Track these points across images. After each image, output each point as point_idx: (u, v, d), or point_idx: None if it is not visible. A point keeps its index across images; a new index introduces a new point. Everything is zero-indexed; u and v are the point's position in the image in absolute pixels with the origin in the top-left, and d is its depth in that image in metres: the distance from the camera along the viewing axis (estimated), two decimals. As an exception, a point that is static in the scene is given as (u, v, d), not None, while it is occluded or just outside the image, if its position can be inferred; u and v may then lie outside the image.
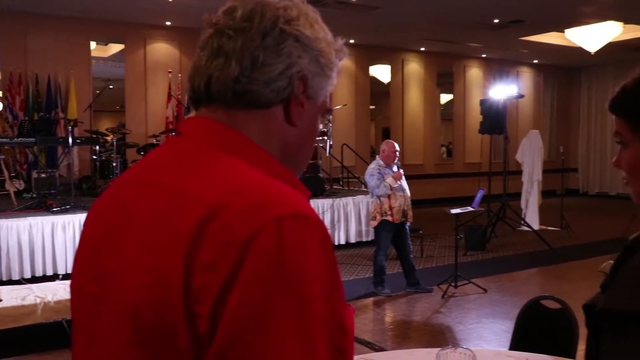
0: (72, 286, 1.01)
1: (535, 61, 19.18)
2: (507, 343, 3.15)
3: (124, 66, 13.15)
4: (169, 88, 12.54)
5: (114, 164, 10.39)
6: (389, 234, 7.22)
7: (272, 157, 0.98)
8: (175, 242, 0.82)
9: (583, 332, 3.16)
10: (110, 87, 13.36)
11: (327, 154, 11.78)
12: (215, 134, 0.96)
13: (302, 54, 0.97)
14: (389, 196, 7.10)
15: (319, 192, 10.44)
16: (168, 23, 12.75)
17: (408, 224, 7.36)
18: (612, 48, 14.59)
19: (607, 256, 6.04)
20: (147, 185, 0.94)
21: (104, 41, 14.00)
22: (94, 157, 10.92)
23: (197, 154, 0.94)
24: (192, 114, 1.03)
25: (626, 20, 13.18)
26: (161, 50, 13.14)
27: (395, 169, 7.29)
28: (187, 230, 0.81)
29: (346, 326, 0.87)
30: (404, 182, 7.27)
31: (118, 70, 13.83)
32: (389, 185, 7.07)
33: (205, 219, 0.81)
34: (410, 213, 7.28)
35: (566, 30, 13.95)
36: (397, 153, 7.36)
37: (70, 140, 9.11)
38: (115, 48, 14.05)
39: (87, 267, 0.97)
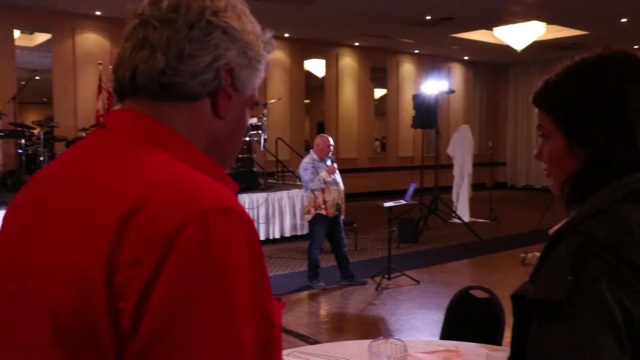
0: None
1: (466, 58, 19.46)
2: (439, 332, 3.21)
3: (51, 57, 12.59)
4: (100, 80, 12.08)
5: (42, 158, 10.00)
6: (323, 228, 7.25)
7: (199, 151, 0.96)
8: (98, 238, 0.79)
9: (509, 320, 3.25)
10: (37, 78, 12.88)
11: (262, 148, 11.66)
12: (140, 127, 0.94)
13: (229, 46, 0.96)
14: (322, 190, 7.13)
15: (254, 186, 10.37)
16: (98, 13, 12.29)
17: (342, 217, 7.40)
18: (537, 47, 14.97)
19: (534, 246, 6.25)
20: (68, 179, 0.91)
21: (29, 30, 13.32)
22: (20, 151, 10.45)
23: (121, 148, 0.92)
24: (118, 106, 1.00)
25: (549, 21, 13.54)
26: (91, 40, 12.68)
27: (329, 163, 7.31)
28: (110, 225, 0.79)
29: (273, 320, 0.87)
30: (337, 176, 7.32)
31: (45, 60, 13.22)
32: (322, 179, 7.09)
33: (129, 213, 0.79)
34: (343, 207, 7.34)
35: (494, 29, 14.22)
36: (331, 147, 7.40)
37: (-7, 133, 8.77)
38: (42, 37, 13.40)
39: (4, 265, 0.93)
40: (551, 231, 1.14)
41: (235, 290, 0.79)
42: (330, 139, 7.44)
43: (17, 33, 12.42)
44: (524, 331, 1.08)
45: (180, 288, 0.76)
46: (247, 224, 0.84)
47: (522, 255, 8.74)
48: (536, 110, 1.25)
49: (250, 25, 1.00)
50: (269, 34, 1.05)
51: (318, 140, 7.43)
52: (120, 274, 0.77)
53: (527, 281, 1.13)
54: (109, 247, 0.78)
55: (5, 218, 0.99)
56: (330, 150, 7.38)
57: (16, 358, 0.88)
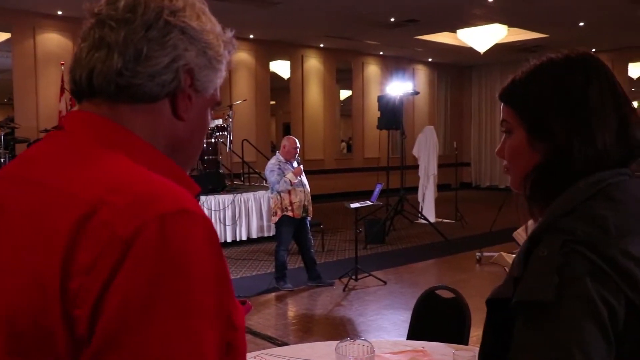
0: None
1: (430, 59, 19.60)
2: (406, 333, 3.23)
3: (12, 56, 12.38)
4: (62, 81, 11.84)
5: (2, 160, 9.82)
6: (290, 229, 7.24)
7: (158, 153, 0.95)
8: (52, 242, 0.77)
9: (475, 319, 3.29)
10: (-4, 77, 12.66)
11: (228, 150, 11.64)
12: (97, 129, 0.92)
13: (188, 47, 0.95)
14: (289, 192, 7.12)
15: (220, 188, 10.34)
16: (59, 12, 12.08)
17: (309, 218, 7.41)
18: (498, 49, 15.20)
19: (498, 247, 6.33)
20: (23, 181, 0.90)
21: (-12, 29, 13.23)
22: (-20, 152, 10.35)
23: (77, 150, 0.90)
24: (76, 107, 0.98)
25: (510, 24, 13.78)
26: (52, 40, 12.48)
27: (295, 164, 7.31)
28: (65, 229, 0.77)
29: (235, 322, 0.86)
30: (303, 178, 7.33)
31: (4, 60, 12.99)
32: (289, 180, 7.08)
33: (84, 217, 0.78)
34: (310, 208, 7.34)
35: (458, 31, 14.37)
36: (298, 149, 7.39)
37: (-50, 133, 8.61)
38: (1, 37, 13.26)
39: None
40: (515, 234, 1.15)
41: (194, 294, 0.78)
42: (297, 141, 7.43)
43: (-25, 32, 12.17)
44: (499, 335, 1.08)
45: (137, 294, 0.74)
46: (206, 226, 0.83)
47: (478, 254, 8.89)
48: (501, 106, 1.27)
49: (209, 25, 0.99)
50: (229, 34, 1.04)
51: (285, 142, 7.42)
52: (74, 280, 0.75)
53: (500, 284, 1.13)
54: (63, 252, 0.76)
55: None
56: (296, 152, 7.37)
57: None
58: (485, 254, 8.88)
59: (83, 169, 0.86)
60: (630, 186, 1.14)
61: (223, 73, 1.03)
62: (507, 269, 6.04)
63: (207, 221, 0.84)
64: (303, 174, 7.33)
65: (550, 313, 1.00)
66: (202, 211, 0.84)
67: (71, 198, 0.81)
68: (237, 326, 0.87)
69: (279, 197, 7.18)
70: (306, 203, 7.24)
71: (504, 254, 8.47)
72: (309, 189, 7.37)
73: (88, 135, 0.92)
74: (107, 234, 0.76)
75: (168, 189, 0.84)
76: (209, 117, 1.06)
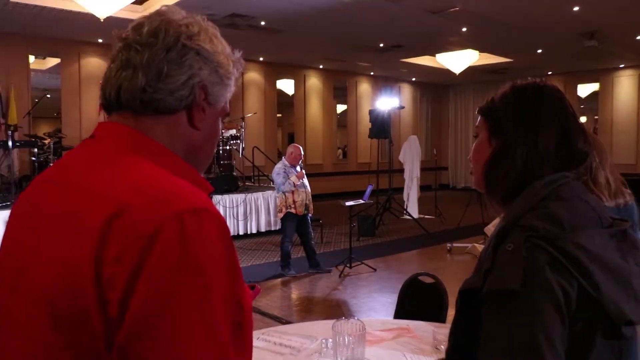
0: None
1: (413, 79, 19.61)
2: (393, 313, 3.22)
3: (60, 78, 12.52)
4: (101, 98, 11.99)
5: (51, 165, 9.85)
6: (293, 224, 7.23)
7: (177, 157, 0.95)
8: (85, 237, 0.78)
9: (451, 301, 3.28)
10: (48, 96, 12.67)
11: (240, 156, 11.63)
12: (124, 137, 0.93)
13: (202, 66, 0.95)
14: (292, 192, 7.12)
15: (233, 188, 10.32)
16: (100, 40, 12.23)
17: (310, 215, 7.40)
18: (471, 71, 15.27)
19: (470, 239, 6.33)
20: (59, 185, 0.90)
21: (42, 55, 13.28)
22: (33, 158, 10.36)
23: (106, 156, 0.91)
24: (102, 117, 0.99)
25: (481, 50, 13.86)
26: (94, 64, 12.54)
27: (298, 169, 7.31)
28: (96, 225, 0.78)
29: (244, 304, 0.86)
30: (305, 180, 7.32)
31: (55, 81, 13.14)
32: (292, 182, 7.08)
33: (112, 216, 0.78)
34: (311, 206, 7.32)
35: (437, 55, 14.41)
36: (302, 156, 7.39)
37: (10, 143, 8.73)
38: (53, 61, 13.36)
39: (7, 260, 0.92)
40: (486, 229, 1.16)
41: (210, 282, 0.78)
42: (302, 149, 7.44)
43: (31, 58, 12.36)
44: (469, 323, 1.08)
45: (161, 282, 0.75)
46: (218, 221, 0.83)
47: (449, 245, 8.95)
48: (478, 118, 1.32)
49: (220, 47, 1.00)
50: (238, 54, 1.04)
51: (291, 149, 7.38)
52: (106, 269, 0.76)
53: (471, 276, 1.13)
54: (96, 246, 0.77)
55: (9, 218, 0.98)
56: (301, 158, 7.36)
57: (20, 340, 0.86)
58: (455, 244, 8.94)
59: (111, 173, 0.86)
60: (574, 187, 1.16)
61: (232, 88, 1.04)
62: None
63: (220, 218, 0.84)
64: (305, 177, 7.32)
65: (516, 300, 1.01)
66: (215, 209, 0.85)
67: (101, 198, 0.81)
68: (245, 308, 0.86)
69: (284, 196, 7.18)
70: (307, 202, 7.22)
71: (477, 245, 8.48)
72: (310, 190, 7.35)
73: (116, 143, 0.92)
74: (133, 231, 0.77)
75: (186, 190, 0.84)
76: (220, 126, 1.06)
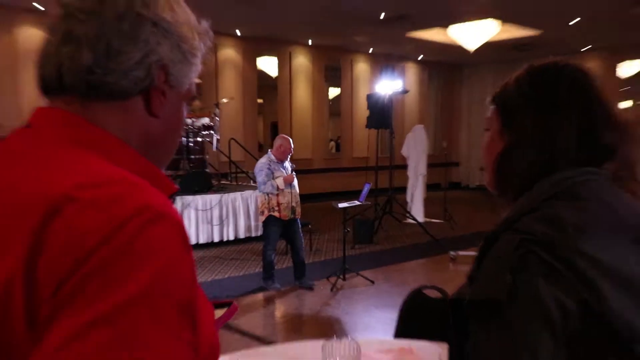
0: None
1: (420, 57, 19.49)
2: (393, 332, 3.26)
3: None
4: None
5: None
6: (277, 229, 7.24)
7: (131, 151, 0.93)
8: (16, 241, 0.74)
9: (462, 319, 3.31)
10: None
11: (214, 149, 11.54)
12: (66, 126, 0.89)
13: (161, 41, 0.92)
14: (277, 193, 7.10)
15: (206, 188, 10.30)
16: (38, 6, 11.63)
17: (299, 219, 7.42)
18: (490, 47, 14.98)
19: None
20: None
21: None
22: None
23: (44, 148, 0.87)
24: (45, 103, 0.94)
25: (504, 20, 13.51)
26: (33, 36, 11.96)
27: (289, 169, 7.30)
28: (29, 227, 0.74)
29: (199, 324, 0.82)
30: (295, 181, 7.34)
31: (-17, 57, 12.87)
32: (276, 185, 7.05)
33: (48, 214, 0.74)
34: (298, 209, 7.31)
35: (449, 27, 14.18)
36: (290, 150, 7.27)
37: None
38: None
39: None
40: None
41: (153, 297, 0.74)
42: (287, 140, 7.28)
43: None
44: (461, 335, 1.12)
45: (91, 293, 0.71)
46: (173, 227, 0.80)
47: (452, 254, 9.00)
48: (489, 110, 1.36)
49: (184, 16, 0.97)
50: (205, 24, 1.02)
51: (279, 141, 7.28)
52: (39, 277, 0.72)
53: (464, 284, 1.16)
54: (28, 251, 0.73)
55: None
56: (290, 153, 7.27)
57: None
58: (461, 253, 9.00)
59: (49, 166, 0.83)
60: (595, 186, 1.16)
61: (199, 67, 1.01)
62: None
63: (176, 222, 0.81)
64: (294, 174, 7.35)
65: (501, 313, 1.03)
66: (170, 210, 0.82)
67: (36, 196, 0.77)
68: (200, 328, 0.83)
69: (266, 196, 7.13)
70: (294, 204, 7.20)
71: (474, 253, 8.50)
72: (297, 190, 7.36)
73: (55, 133, 0.89)
74: (69, 232, 0.74)
75: (136, 188, 0.82)
76: (185, 113, 1.04)
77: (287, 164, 7.31)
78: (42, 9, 11.77)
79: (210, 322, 0.91)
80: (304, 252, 7.54)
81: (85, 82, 0.89)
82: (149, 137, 0.97)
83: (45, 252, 0.73)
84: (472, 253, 8.87)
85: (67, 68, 0.89)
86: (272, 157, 7.19)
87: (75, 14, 0.90)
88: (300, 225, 7.51)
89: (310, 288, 7.40)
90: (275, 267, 7.46)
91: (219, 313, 1.16)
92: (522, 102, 1.25)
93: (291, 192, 7.21)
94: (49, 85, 0.93)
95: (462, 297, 1.13)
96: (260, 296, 7.18)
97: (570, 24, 13.94)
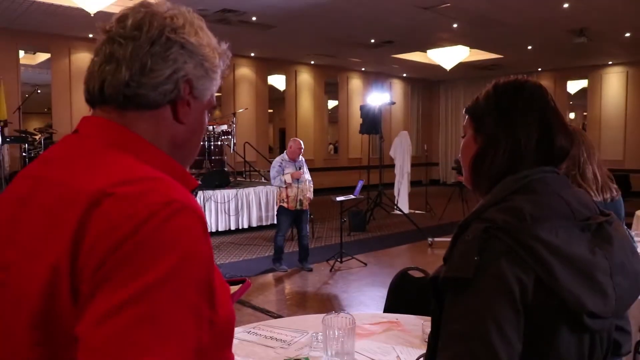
0: None
1: (404, 75, 19.61)
2: (383, 307, 3.24)
3: (51, 73, 12.46)
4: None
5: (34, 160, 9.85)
6: (286, 218, 7.20)
7: (160, 152, 0.94)
8: (63, 231, 0.77)
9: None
10: (38, 91, 12.64)
11: (232, 151, 11.67)
12: (106, 132, 0.91)
13: (187, 60, 0.94)
14: (286, 187, 7.07)
15: (225, 184, 10.32)
16: (90, 35, 12.10)
17: (307, 210, 7.30)
18: (462, 67, 15.33)
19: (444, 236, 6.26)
20: (40, 179, 0.89)
21: (31, 50, 13.22)
22: (24, 154, 10.36)
23: (87, 151, 0.90)
24: (90, 113, 0.98)
25: (472, 46, 13.89)
26: (85, 59, 12.32)
27: (299, 163, 7.20)
28: (73, 219, 0.77)
29: (216, 301, 0.83)
30: (306, 175, 7.24)
31: (45, 76, 13.09)
32: (284, 180, 7.03)
33: (89, 207, 0.77)
34: (305, 202, 7.18)
35: (428, 51, 14.43)
36: (302, 150, 7.23)
37: (0, 138, 8.70)
38: (43, 57, 13.28)
39: None
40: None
41: (175, 277, 0.75)
42: (302, 143, 7.27)
43: (21, 53, 12.30)
44: (440, 308, 1.10)
45: (124, 274, 0.73)
46: (194, 216, 0.81)
47: (430, 240, 9.09)
48: (465, 120, 1.34)
49: (206, 39, 0.98)
50: (224, 46, 1.03)
51: (291, 143, 7.25)
52: (81, 261, 0.75)
53: (442, 265, 1.16)
54: (72, 238, 0.76)
55: None
56: (300, 152, 7.20)
57: (2, 340, 0.85)
58: (437, 239, 9.06)
59: (91, 167, 0.85)
60: (551, 181, 1.17)
61: (219, 81, 1.02)
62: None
63: (196, 212, 0.82)
64: (306, 171, 7.26)
65: (469, 287, 1.04)
66: (193, 203, 0.83)
67: (80, 192, 0.80)
68: (217, 305, 0.83)
69: (279, 190, 7.16)
70: (301, 197, 7.10)
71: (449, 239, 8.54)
72: (307, 186, 7.22)
73: (98, 138, 0.91)
74: (106, 221, 0.76)
75: (163, 184, 0.83)
76: (206, 120, 1.05)
77: (300, 162, 7.22)
78: (92, 36, 11.98)
79: (227, 299, 0.91)
80: (307, 239, 7.45)
81: (122, 94, 0.91)
82: (176, 140, 0.98)
83: (86, 239, 0.75)
84: (446, 239, 8.95)
85: (108, 82, 0.92)
86: (285, 156, 7.19)
87: (116, 38, 0.92)
88: (308, 216, 7.41)
89: (310, 270, 7.35)
90: (284, 252, 7.42)
91: (234, 289, 1.21)
92: (489, 109, 1.25)
93: (298, 187, 7.09)
94: (93, 97, 0.95)
95: (436, 275, 1.13)
96: (269, 276, 7.15)
97: (527, 49, 14.25)
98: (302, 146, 7.27)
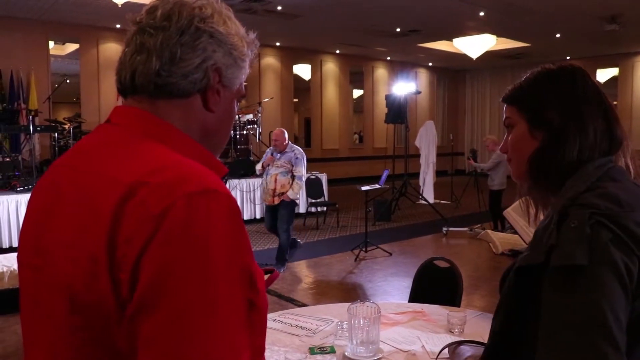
0: (18, 260, 0.96)
1: (430, 64, 19.49)
2: (408, 296, 3.23)
3: (80, 63, 12.65)
4: (119, 82, 12.08)
5: (68, 150, 9.99)
6: (266, 212, 6.82)
7: (191, 140, 0.94)
8: (100, 220, 0.78)
9: (466, 285, 3.26)
10: (67, 81, 12.83)
11: (257, 140, 11.69)
12: (139, 121, 0.92)
13: (216, 48, 0.94)
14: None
15: (250, 173, 10.27)
16: (118, 25, 12.28)
17: (280, 204, 6.51)
18: (489, 56, 15.16)
19: (486, 224, 6.25)
20: (75, 168, 0.90)
21: (61, 41, 13.40)
22: (53, 142, 10.52)
23: (121, 140, 0.91)
24: (121, 103, 0.98)
25: (499, 34, 13.72)
26: (113, 49, 12.59)
27: (289, 153, 6.52)
28: (109, 208, 0.78)
29: (257, 285, 0.85)
30: (275, 170, 6.49)
31: (74, 66, 13.28)
32: (258, 168, 6.74)
33: (125, 197, 0.78)
34: (269, 198, 6.52)
35: (454, 40, 14.30)
36: (275, 141, 6.53)
37: (31, 128, 8.87)
38: (72, 47, 13.47)
39: (29, 243, 0.92)
40: (505, 212, 1.15)
41: (216, 261, 0.77)
42: (278, 134, 6.54)
43: (51, 44, 12.45)
44: (524, 300, 1.08)
45: (165, 261, 0.74)
46: (228, 202, 0.82)
47: (445, 229, 9.15)
48: (504, 108, 1.29)
49: (234, 29, 0.98)
50: (252, 35, 1.02)
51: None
52: (119, 250, 0.76)
53: (527, 254, 1.13)
54: (109, 228, 0.77)
55: (29, 202, 0.98)
56: (279, 143, 6.49)
57: (41, 327, 0.87)
58: (451, 229, 9.07)
59: (125, 156, 0.86)
60: (621, 170, 1.17)
61: (247, 70, 1.02)
62: (491, 245, 6.12)
63: (229, 198, 0.83)
64: (298, 166, 6.46)
65: (583, 275, 1.01)
66: (225, 190, 0.83)
67: (114, 181, 0.81)
68: (258, 288, 0.86)
69: None
70: (267, 192, 6.54)
71: (489, 231, 8.46)
72: (274, 180, 6.45)
73: (130, 127, 0.92)
74: (143, 210, 0.77)
75: (196, 171, 0.83)
76: (235, 108, 1.05)
77: (289, 156, 6.50)
78: (120, 27, 12.11)
79: (263, 285, 0.91)
80: (284, 238, 6.68)
81: (153, 83, 0.92)
82: (206, 128, 0.98)
83: (123, 229, 0.76)
84: (460, 229, 8.92)
85: (139, 72, 0.92)
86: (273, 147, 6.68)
87: (147, 29, 0.93)
88: (283, 211, 6.55)
89: (270, 271, 6.55)
90: (315, 239, 7.34)
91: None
92: (549, 102, 1.19)
93: (266, 180, 6.54)
94: (124, 87, 0.95)
95: (531, 264, 1.10)
96: (294, 264, 7.17)
97: (555, 37, 14.02)
98: (281, 137, 6.52)
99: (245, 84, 1.05)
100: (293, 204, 6.67)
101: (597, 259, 1.00)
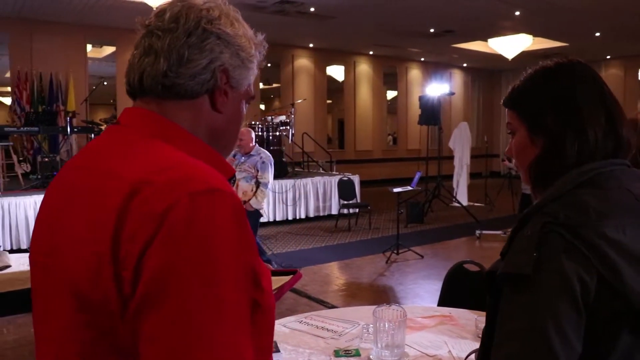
0: (30, 258, 0.97)
1: (464, 65, 19.32)
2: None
3: (116, 65, 12.89)
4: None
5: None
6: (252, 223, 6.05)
7: (199, 141, 0.95)
8: (105, 218, 0.79)
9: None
10: (104, 83, 13.11)
11: (290, 141, 11.71)
12: (147, 122, 0.93)
13: (223, 50, 0.95)
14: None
15: (283, 174, 10.37)
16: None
17: (252, 214, 5.80)
18: (525, 56, 14.89)
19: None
20: (85, 168, 0.91)
21: (98, 44, 13.72)
22: (90, 143, 10.80)
23: (128, 140, 0.92)
24: (130, 105, 1.00)
25: (535, 34, 13.51)
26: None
27: (253, 157, 5.95)
28: (115, 206, 0.79)
29: (262, 284, 0.86)
30: (237, 174, 5.87)
31: (111, 69, 13.60)
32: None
33: (130, 195, 0.79)
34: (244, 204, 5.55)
35: (489, 40, 14.13)
36: (240, 141, 5.80)
37: (69, 129, 9.09)
38: (109, 50, 13.79)
39: (40, 242, 0.93)
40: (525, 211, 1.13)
41: (218, 262, 0.77)
42: (242, 131, 5.59)
43: (89, 47, 12.75)
44: (496, 303, 1.06)
45: (167, 260, 0.75)
46: (232, 201, 0.82)
47: (478, 232, 8.99)
48: (506, 111, 1.25)
49: (242, 30, 0.99)
50: (260, 37, 1.04)
51: None
52: (123, 248, 0.77)
53: (499, 259, 1.11)
54: (114, 225, 0.78)
55: (42, 202, 0.99)
56: (244, 144, 5.88)
57: (50, 325, 0.89)
58: (484, 232, 8.94)
59: (134, 156, 0.87)
60: (620, 175, 1.10)
61: (255, 71, 1.03)
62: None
63: (233, 198, 0.83)
64: (265, 172, 5.92)
65: (528, 285, 0.99)
66: (230, 189, 0.84)
67: (121, 180, 0.82)
68: (263, 287, 0.86)
69: None
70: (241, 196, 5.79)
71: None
72: (243, 185, 5.86)
73: (139, 128, 0.93)
74: (146, 208, 0.77)
75: (201, 171, 0.84)
76: (244, 109, 1.05)
77: (254, 160, 5.93)
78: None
79: (269, 285, 0.92)
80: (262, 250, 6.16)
81: (161, 85, 0.93)
82: (214, 129, 0.99)
83: (127, 227, 0.77)
84: (494, 232, 8.80)
85: (147, 74, 0.94)
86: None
87: (155, 31, 0.95)
88: (256, 222, 5.99)
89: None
90: (346, 241, 7.36)
91: (285, 279, 1.24)
92: (544, 105, 1.14)
93: (236, 183, 5.86)
94: (133, 89, 0.97)
95: (495, 270, 1.09)
96: (326, 266, 7.16)
97: (594, 36, 13.74)
98: (247, 137, 5.93)
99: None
100: (257, 214, 5.92)
101: (543, 269, 0.98)
